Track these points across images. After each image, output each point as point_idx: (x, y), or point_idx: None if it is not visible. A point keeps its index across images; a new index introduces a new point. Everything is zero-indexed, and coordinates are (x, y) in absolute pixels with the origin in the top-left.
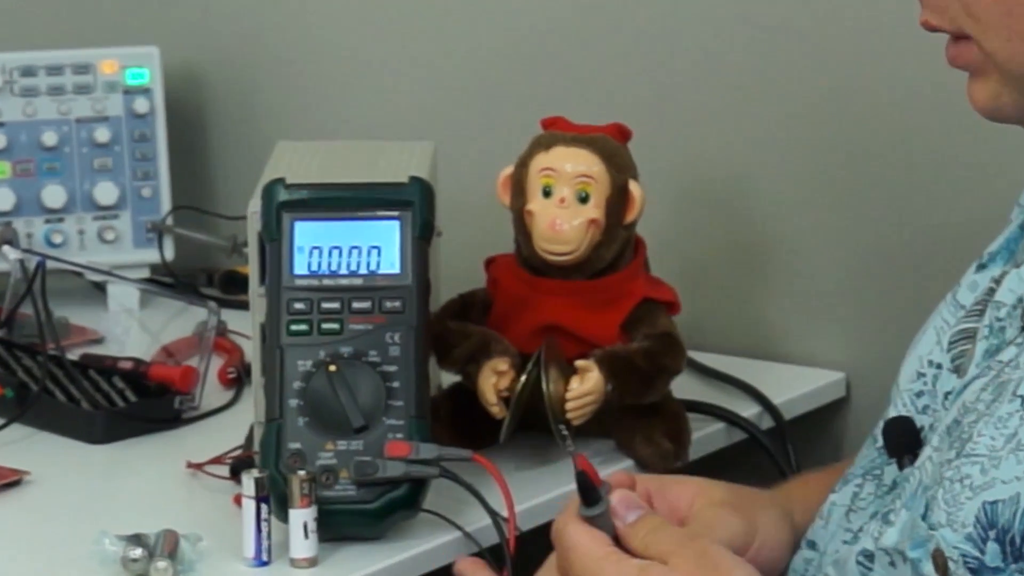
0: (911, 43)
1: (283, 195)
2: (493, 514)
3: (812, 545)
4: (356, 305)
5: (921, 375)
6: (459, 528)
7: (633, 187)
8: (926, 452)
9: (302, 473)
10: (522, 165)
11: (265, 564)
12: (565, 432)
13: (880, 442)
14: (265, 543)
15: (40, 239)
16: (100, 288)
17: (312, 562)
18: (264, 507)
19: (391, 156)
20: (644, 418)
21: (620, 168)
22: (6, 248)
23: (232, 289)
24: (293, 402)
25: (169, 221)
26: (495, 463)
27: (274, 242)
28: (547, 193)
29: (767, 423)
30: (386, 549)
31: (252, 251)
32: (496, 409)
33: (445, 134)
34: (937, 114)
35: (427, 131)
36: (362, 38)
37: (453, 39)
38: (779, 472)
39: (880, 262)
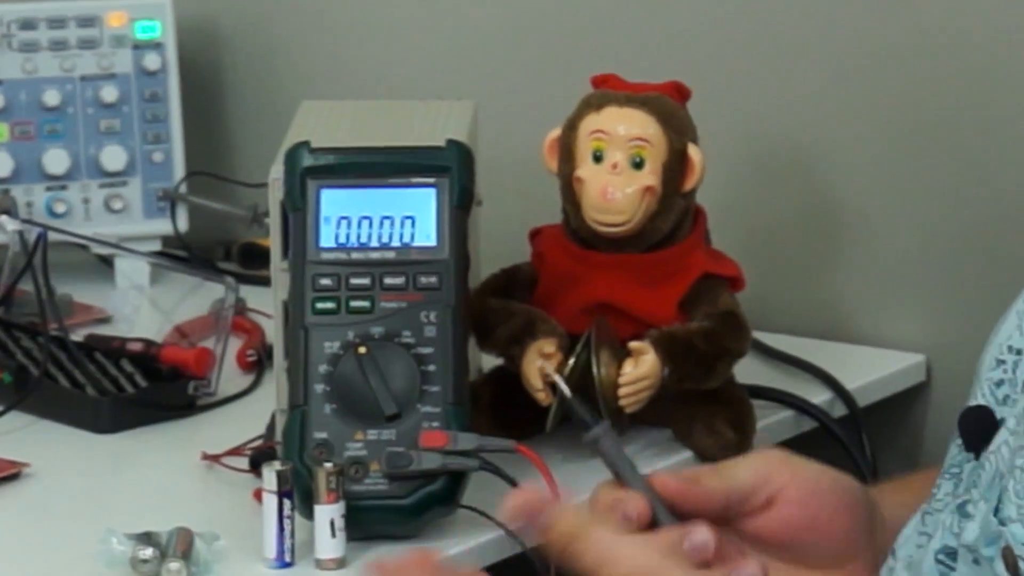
0: None
1: (308, 160)
2: None
3: (893, 552)
4: (388, 281)
5: (1001, 362)
6: (501, 526)
7: (692, 151)
8: (1002, 436)
9: (329, 466)
10: (570, 127)
11: (288, 565)
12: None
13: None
14: (288, 542)
15: (41, 208)
16: (107, 262)
17: (340, 563)
18: (287, 503)
19: (426, 117)
20: (704, 405)
21: (678, 130)
22: (4, 218)
23: (252, 263)
24: (319, 388)
25: (183, 189)
26: (540, 454)
27: (298, 212)
28: (598, 158)
29: (840, 411)
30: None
31: (274, 222)
32: (542, 395)
33: (486, 92)
34: None
35: (466, 89)
36: None
37: None
38: (853, 465)
39: (964, 233)
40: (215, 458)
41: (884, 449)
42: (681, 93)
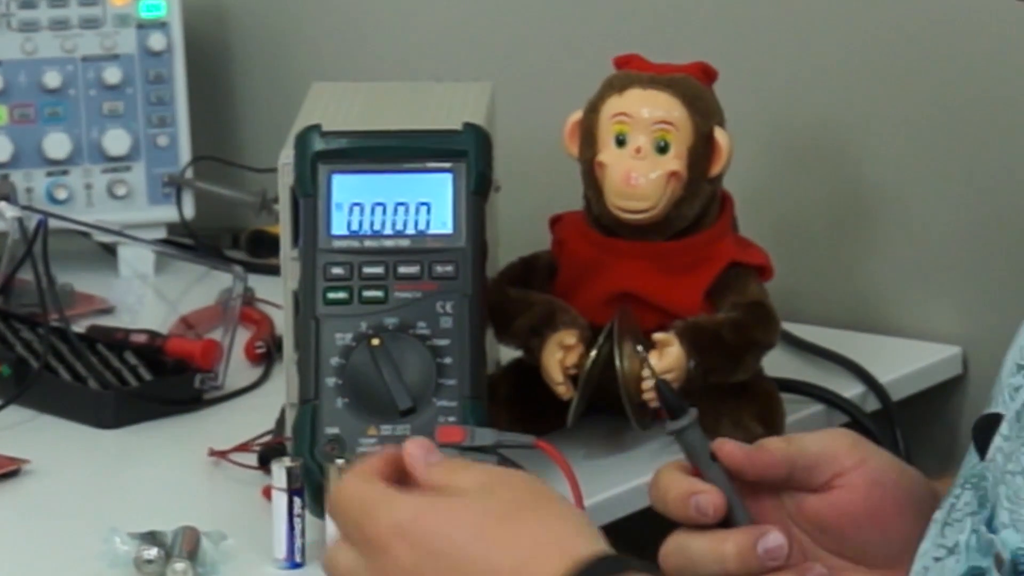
0: None
1: (319, 144)
2: None
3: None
4: (402, 270)
5: (1021, 367)
6: None
7: (719, 135)
8: (996, 442)
9: (341, 462)
10: (592, 110)
11: (298, 566)
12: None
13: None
14: (298, 542)
15: (41, 194)
16: (110, 251)
17: None
18: (297, 501)
19: (442, 99)
20: (732, 399)
21: (704, 113)
22: (3, 205)
23: (261, 251)
24: (330, 381)
25: (189, 174)
26: (561, 450)
27: (309, 198)
28: (621, 142)
29: (872, 405)
30: None
31: (283, 208)
32: (563, 388)
33: (504, 73)
34: None
35: (483, 70)
36: None
37: None
38: None
39: (1002, 220)
40: (222, 454)
41: (919, 445)
42: (707, 74)
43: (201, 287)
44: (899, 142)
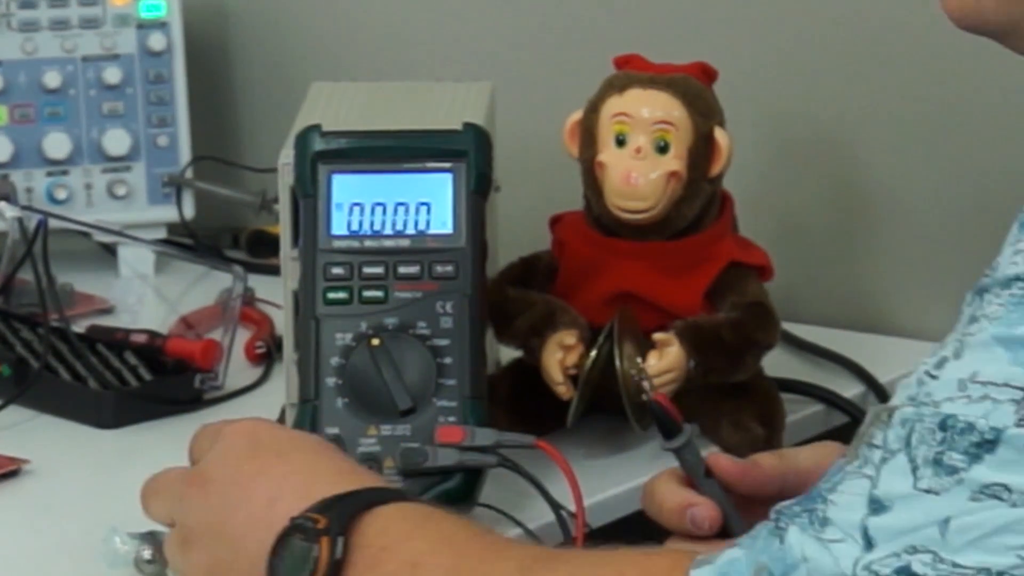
0: None
1: (319, 144)
2: (558, 508)
3: None
4: (402, 270)
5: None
6: (520, 524)
7: (719, 135)
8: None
9: None
10: (592, 110)
11: None
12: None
13: None
14: None
15: (41, 194)
16: (110, 250)
17: None
18: None
19: (442, 99)
20: (732, 399)
21: (704, 113)
22: (3, 204)
23: (261, 251)
24: (330, 381)
25: (189, 174)
26: (561, 450)
27: (309, 198)
28: (621, 142)
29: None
30: None
31: (283, 208)
32: (562, 389)
33: (504, 73)
34: None
35: (483, 70)
36: None
37: None
38: None
39: (1003, 219)
40: None
41: None
42: (707, 74)
43: (201, 287)
44: (899, 142)
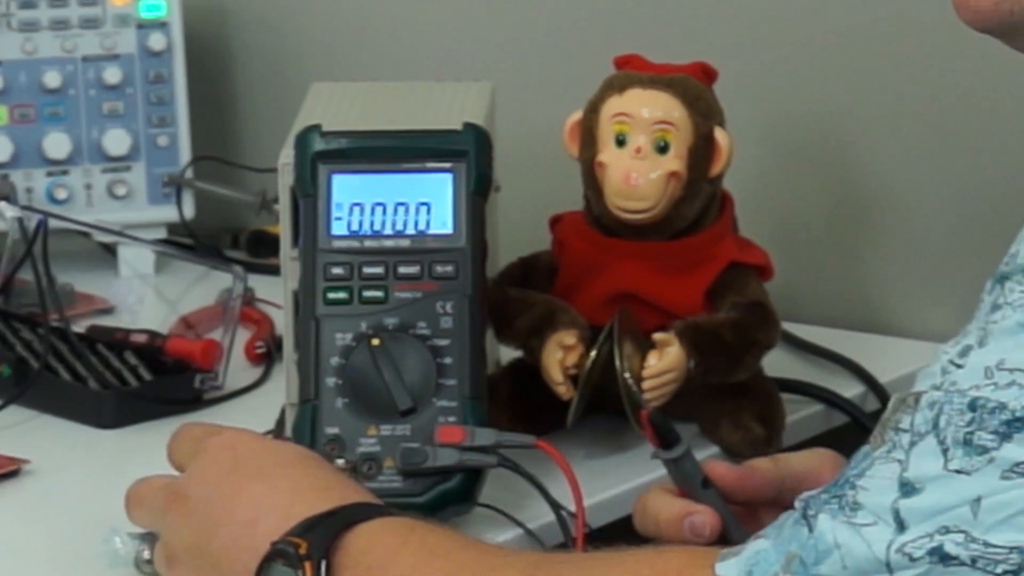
0: None
1: (319, 144)
2: (558, 508)
3: None
4: (402, 270)
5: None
6: (520, 524)
7: (719, 135)
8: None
9: (341, 462)
10: (592, 110)
11: None
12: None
13: None
14: None
15: (41, 194)
16: (110, 250)
17: None
18: None
19: (442, 99)
20: (732, 399)
21: (704, 113)
22: (3, 204)
23: (261, 251)
24: (330, 381)
25: (189, 174)
26: (561, 450)
27: (309, 198)
28: (621, 142)
29: (872, 405)
30: None
31: (284, 208)
32: (562, 389)
33: (504, 73)
34: None
35: (483, 70)
36: None
37: None
38: None
39: (1003, 219)
40: None
41: None
42: (707, 74)
43: (201, 287)
44: (899, 142)
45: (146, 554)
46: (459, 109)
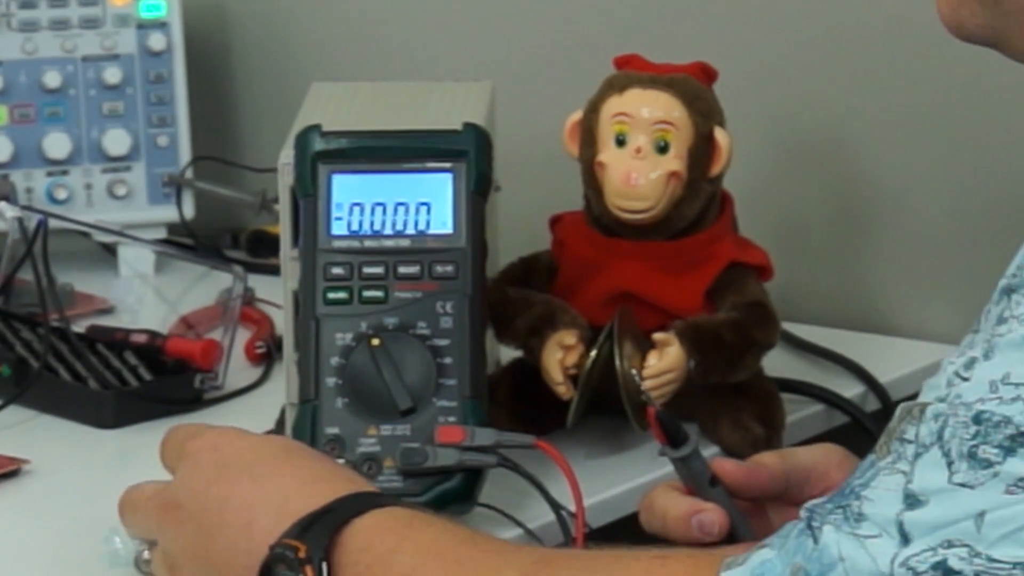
0: None
1: (319, 144)
2: (558, 508)
3: None
4: (402, 270)
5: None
6: (520, 524)
7: (719, 135)
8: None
9: (341, 462)
10: (592, 110)
11: None
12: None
13: None
14: None
15: (41, 194)
16: (110, 250)
17: None
18: None
19: (442, 99)
20: (731, 399)
21: (704, 113)
22: (2, 204)
23: (261, 251)
24: (330, 381)
25: (189, 174)
26: (561, 450)
27: (309, 198)
28: (621, 142)
29: (872, 405)
30: None
31: (284, 208)
32: (563, 388)
33: (504, 73)
34: None
35: (483, 70)
36: None
37: None
38: None
39: (1003, 218)
40: None
41: None
42: (707, 74)
43: (201, 287)
44: (899, 142)
45: (146, 554)
46: (459, 109)
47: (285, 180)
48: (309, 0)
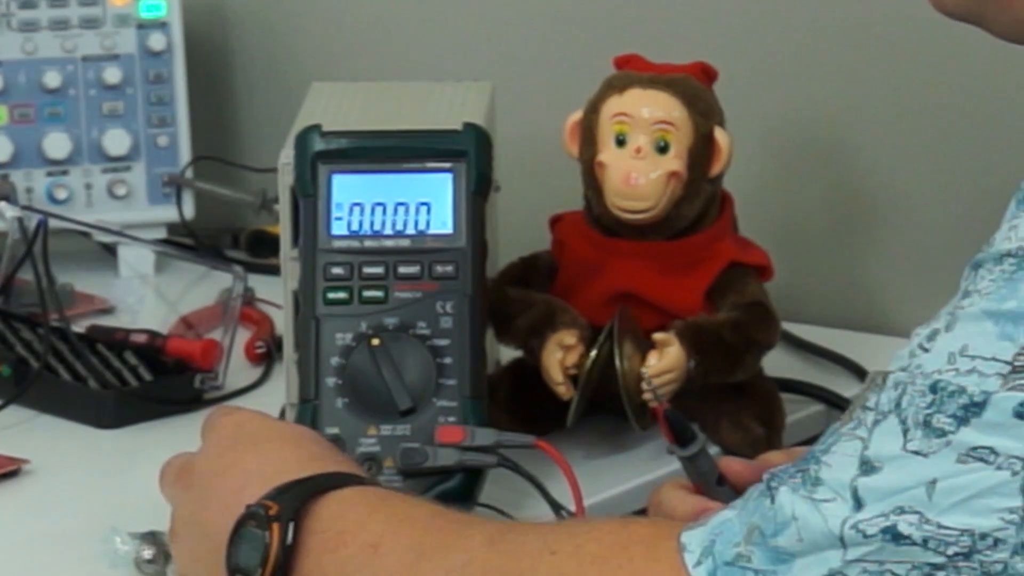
0: None
1: (319, 144)
2: (558, 508)
3: None
4: (402, 270)
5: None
6: None
7: (719, 135)
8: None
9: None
10: (592, 110)
11: None
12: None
13: None
14: None
15: (41, 194)
16: (110, 250)
17: None
18: None
19: (442, 99)
20: (732, 399)
21: (704, 113)
22: (3, 205)
23: (261, 251)
24: (330, 381)
25: (189, 174)
26: (561, 450)
27: (309, 198)
28: (621, 142)
29: None
30: None
31: (284, 208)
32: (562, 389)
33: (504, 73)
34: None
35: (483, 70)
36: None
37: None
38: None
39: (1002, 218)
40: None
41: None
42: (707, 74)
43: (201, 287)
44: (899, 142)
45: (146, 554)
46: (459, 109)
47: (285, 180)
48: (309, 0)
